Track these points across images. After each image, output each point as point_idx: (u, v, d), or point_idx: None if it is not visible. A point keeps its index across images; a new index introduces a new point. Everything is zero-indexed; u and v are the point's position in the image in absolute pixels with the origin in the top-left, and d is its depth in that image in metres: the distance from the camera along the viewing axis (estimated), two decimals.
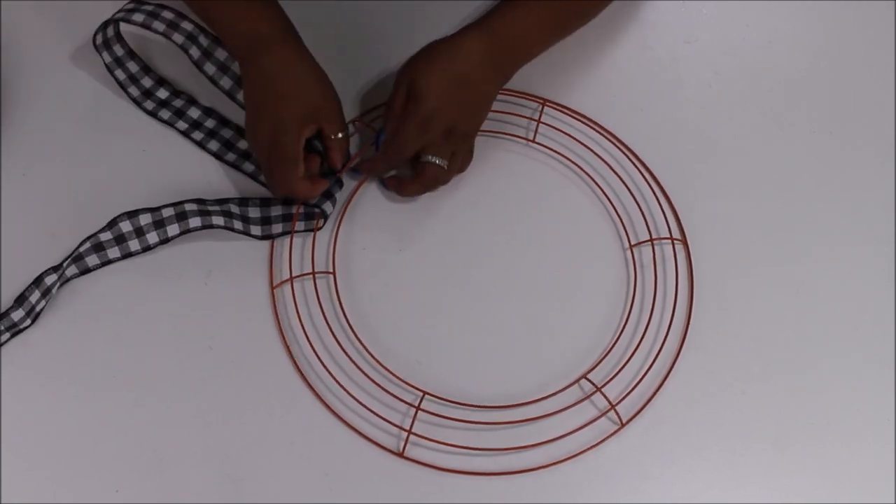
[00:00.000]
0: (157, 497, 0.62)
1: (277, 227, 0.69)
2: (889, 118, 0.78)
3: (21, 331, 0.65)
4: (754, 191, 0.74)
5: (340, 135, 0.67)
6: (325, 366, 0.66)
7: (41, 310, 0.65)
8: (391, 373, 0.66)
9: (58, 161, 0.71)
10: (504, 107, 0.75)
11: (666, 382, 0.67)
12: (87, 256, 0.67)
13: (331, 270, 0.69)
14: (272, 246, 0.69)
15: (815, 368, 0.69)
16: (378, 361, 0.67)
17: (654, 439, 0.66)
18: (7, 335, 0.65)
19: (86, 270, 0.67)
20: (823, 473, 0.66)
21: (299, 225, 0.69)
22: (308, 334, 0.67)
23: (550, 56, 0.71)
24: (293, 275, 0.68)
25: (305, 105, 0.64)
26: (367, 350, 0.67)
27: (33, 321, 0.65)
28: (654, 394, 0.67)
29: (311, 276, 0.69)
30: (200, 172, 0.72)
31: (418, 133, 0.64)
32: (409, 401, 0.66)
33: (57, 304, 0.67)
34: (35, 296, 0.65)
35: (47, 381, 0.65)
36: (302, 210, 0.69)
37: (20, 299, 0.65)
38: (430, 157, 0.66)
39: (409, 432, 0.64)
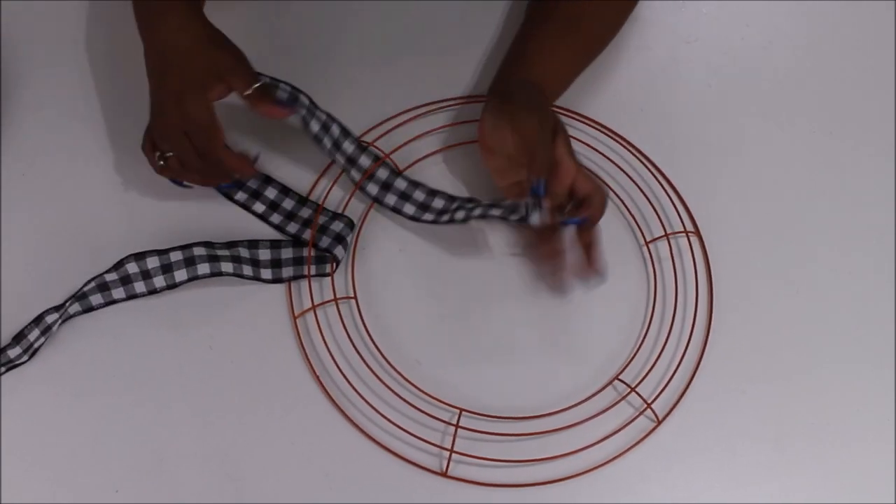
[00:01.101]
0: (157, 497, 0.62)
1: (288, 271, 0.68)
2: (889, 117, 0.79)
3: (17, 366, 0.64)
4: (756, 190, 0.75)
5: (252, 89, 0.62)
6: (358, 393, 0.65)
7: (39, 346, 0.64)
8: (425, 393, 0.66)
9: (58, 161, 0.71)
10: None
11: (697, 375, 0.68)
12: (91, 295, 0.66)
13: (352, 295, 0.68)
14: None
15: (819, 368, 0.69)
16: (411, 382, 0.66)
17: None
18: (2, 368, 0.64)
19: (89, 309, 0.66)
20: (824, 473, 0.67)
21: (312, 269, 0.68)
22: (337, 361, 0.66)
23: None
24: (315, 303, 0.68)
25: (203, 65, 0.61)
26: (398, 372, 0.66)
27: (31, 357, 0.64)
28: (687, 387, 0.68)
29: (332, 302, 0.68)
30: None
31: (549, 140, 0.64)
32: (446, 419, 0.65)
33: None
34: (34, 334, 0.64)
35: (48, 382, 0.64)
36: (314, 254, 0.68)
37: (18, 337, 0.64)
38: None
39: (452, 451, 0.64)
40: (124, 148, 0.71)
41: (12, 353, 0.64)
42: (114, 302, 0.66)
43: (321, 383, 0.66)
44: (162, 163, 0.63)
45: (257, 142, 0.71)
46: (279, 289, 0.69)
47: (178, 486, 0.63)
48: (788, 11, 0.82)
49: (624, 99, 0.77)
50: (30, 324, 0.64)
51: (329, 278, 0.68)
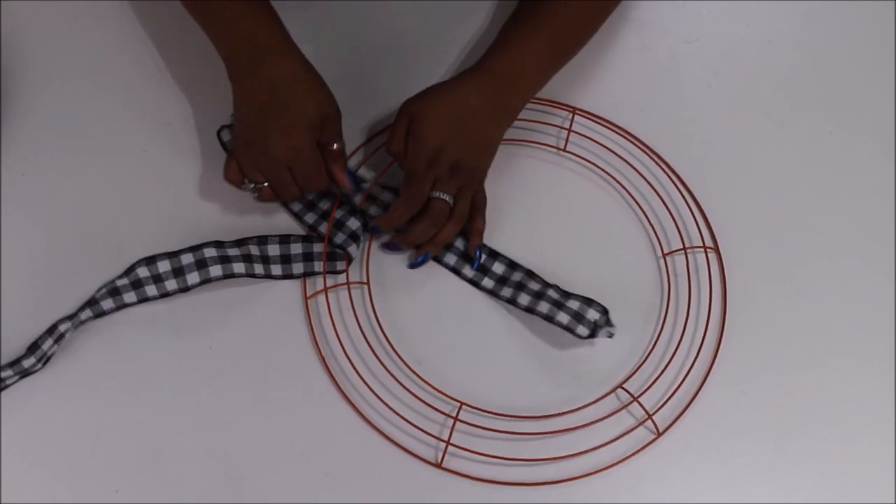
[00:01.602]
0: (157, 497, 0.62)
1: (298, 267, 0.68)
2: (889, 117, 0.78)
3: (31, 374, 0.65)
4: (756, 192, 0.75)
5: (336, 146, 0.66)
6: (361, 377, 0.66)
7: (52, 354, 0.65)
8: (428, 383, 0.66)
9: (58, 162, 0.71)
10: (534, 115, 0.75)
11: (701, 392, 0.68)
12: (103, 301, 0.66)
13: (365, 281, 0.69)
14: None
15: (823, 368, 0.69)
16: (415, 372, 0.66)
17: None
18: (16, 377, 0.64)
19: (100, 314, 0.66)
20: (823, 473, 0.66)
21: (325, 265, 0.69)
22: (343, 345, 0.67)
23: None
24: (327, 285, 0.68)
25: (315, 110, 0.63)
26: (403, 361, 0.67)
27: (44, 365, 0.65)
28: (690, 402, 0.67)
29: (345, 286, 0.69)
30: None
31: (426, 168, 0.64)
32: (445, 411, 0.66)
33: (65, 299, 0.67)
34: (48, 343, 0.64)
35: (48, 382, 0.65)
36: (328, 249, 0.69)
37: (33, 347, 0.64)
38: (435, 193, 0.65)
39: (448, 443, 0.64)
40: (125, 148, 0.72)
41: (27, 363, 0.64)
42: (125, 306, 0.67)
43: (326, 365, 0.66)
44: (255, 193, 0.66)
45: None
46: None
47: (178, 485, 0.63)
48: (788, 11, 0.82)
49: (624, 99, 0.76)
50: (43, 334, 0.64)
51: (343, 264, 0.69)
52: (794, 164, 0.76)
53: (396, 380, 0.66)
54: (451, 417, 0.65)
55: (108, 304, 0.66)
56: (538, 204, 0.73)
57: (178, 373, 0.66)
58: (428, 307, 0.69)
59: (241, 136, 0.65)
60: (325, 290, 0.68)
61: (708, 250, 0.72)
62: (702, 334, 0.69)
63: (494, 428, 0.65)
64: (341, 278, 0.69)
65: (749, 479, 0.66)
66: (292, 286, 0.69)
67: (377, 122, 0.74)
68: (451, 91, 0.65)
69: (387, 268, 0.70)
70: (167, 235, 0.68)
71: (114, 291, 0.66)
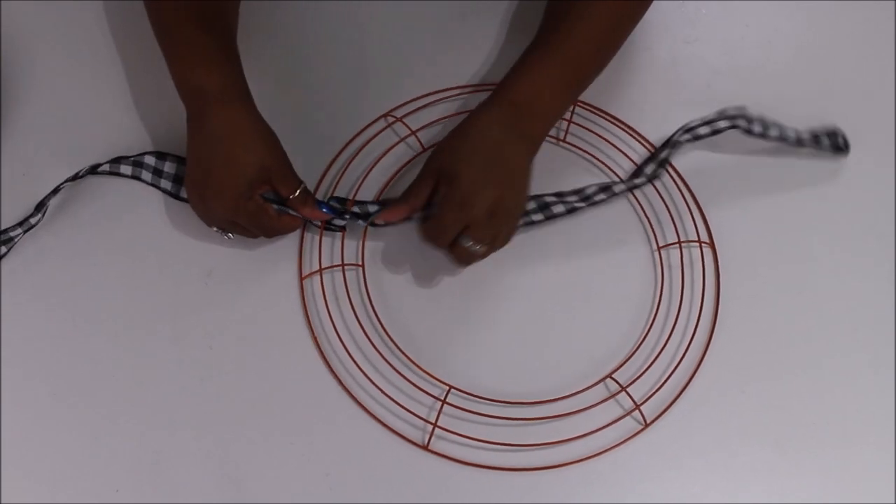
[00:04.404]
0: (156, 497, 0.63)
1: None
2: (890, 117, 0.78)
3: (32, 227, 0.67)
4: (756, 194, 0.74)
5: (297, 193, 0.65)
6: (352, 357, 0.66)
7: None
8: (418, 366, 0.67)
9: (58, 161, 0.71)
10: None
11: (690, 384, 0.68)
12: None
13: (360, 263, 0.70)
14: (302, 237, 0.70)
15: (815, 366, 0.69)
16: (405, 354, 0.67)
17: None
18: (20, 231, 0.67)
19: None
20: (824, 473, 0.66)
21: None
22: (336, 325, 0.67)
23: None
24: (322, 266, 0.69)
25: (253, 167, 0.62)
26: (394, 343, 0.67)
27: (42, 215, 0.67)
28: (679, 395, 0.67)
29: (340, 267, 0.69)
30: None
31: (460, 212, 0.61)
32: (435, 394, 0.66)
33: (65, 299, 0.67)
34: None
35: (48, 382, 0.65)
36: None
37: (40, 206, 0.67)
38: (467, 242, 0.62)
39: (435, 425, 0.65)
40: (125, 148, 0.72)
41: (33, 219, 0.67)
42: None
43: (318, 345, 0.67)
44: (228, 235, 0.68)
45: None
46: (291, 250, 0.70)
47: (179, 485, 0.63)
48: (788, 11, 0.82)
49: (623, 98, 0.77)
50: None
51: (339, 244, 0.70)
52: (792, 163, 0.76)
53: (387, 361, 0.66)
54: (440, 400, 0.66)
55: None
56: (536, 192, 0.73)
57: (177, 368, 0.66)
58: (422, 291, 0.70)
59: (189, 192, 0.65)
60: (321, 270, 0.69)
61: (703, 245, 0.72)
62: (693, 328, 0.69)
63: (482, 412, 0.66)
64: (336, 260, 0.70)
65: (735, 473, 0.66)
66: (288, 267, 0.69)
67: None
68: (472, 128, 0.63)
69: (382, 251, 0.71)
70: (169, 233, 0.70)
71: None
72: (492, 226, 0.62)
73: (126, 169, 0.70)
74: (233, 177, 0.62)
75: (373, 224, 0.69)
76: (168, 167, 0.70)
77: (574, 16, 0.64)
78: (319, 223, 0.69)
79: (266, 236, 0.67)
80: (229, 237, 0.68)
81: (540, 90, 0.64)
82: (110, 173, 0.70)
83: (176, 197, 0.70)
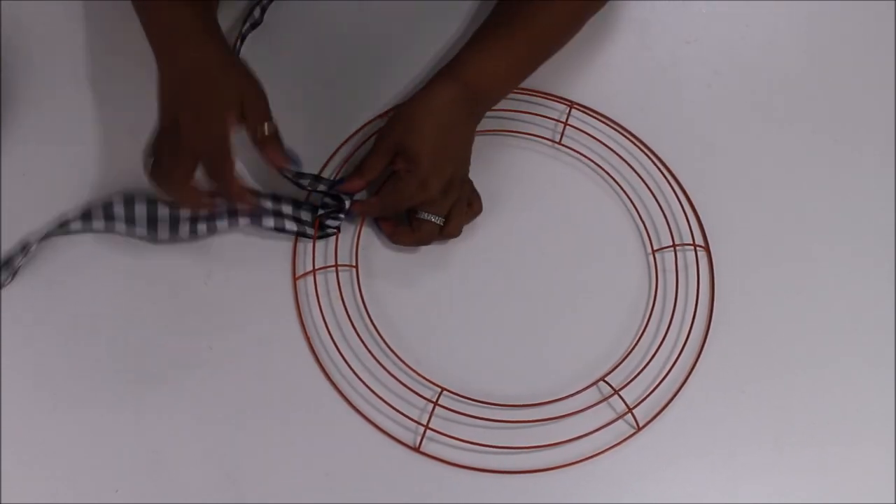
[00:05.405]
0: (156, 497, 0.63)
1: (291, 224, 0.69)
2: (890, 117, 0.77)
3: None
4: (756, 193, 0.74)
5: (266, 126, 0.62)
6: (344, 358, 0.66)
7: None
8: (410, 368, 0.67)
9: (58, 161, 0.71)
10: (531, 108, 0.75)
11: (683, 388, 0.67)
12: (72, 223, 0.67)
13: (353, 264, 0.69)
14: (296, 238, 0.70)
15: (810, 369, 0.69)
16: (397, 356, 0.67)
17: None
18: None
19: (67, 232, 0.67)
20: (823, 473, 0.66)
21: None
22: (329, 326, 0.67)
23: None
24: (316, 267, 0.69)
25: (228, 90, 0.61)
26: (386, 344, 0.67)
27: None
28: (671, 399, 0.67)
29: (333, 268, 0.69)
30: None
31: (418, 192, 0.65)
32: (427, 396, 0.66)
33: (64, 299, 0.67)
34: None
35: (48, 382, 0.65)
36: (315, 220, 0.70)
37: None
38: (426, 215, 0.67)
39: (427, 427, 0.64)
40: (125, 148, 0.71)
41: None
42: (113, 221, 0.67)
43: (311, 345, 0.67)
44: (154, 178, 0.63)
45: None
46: (284, 252, 0.70)
47: (178, 485, 0.63)
48: (788, 11, 0.81)
49: (623, 99, 0.76)
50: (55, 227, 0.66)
51: (333, 245, 0.70)
52: (791, 165, 0.75)
53: (379, 363, 0.66)
54: (432, 402, 0.65)
55: (76, 226, 0.67)
56: (531, 195, 0.73)
57: (176, 368, 0.66)
58: (415, 293, 0.70)
59: (162, 123, 0.62)
60: (314, 271, 0.69)
61: (698, 248, 0.72)
62: (687, 331, 0.69)
63: (474, 414, 0.65)
64: (330, 261, 0.70)
65: (729, 476, 0.66)
66: (282, 267, 0.69)
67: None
68: (430, 102, 0.65)
69: (376, 252, 0.70)
70: None
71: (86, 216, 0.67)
72: (447, 199, 0.67)
73: (98, 225, 0.67)
74: (208, 97, 0.60)
75: (347, 213, 0.69)
76: (139, 210, 0.67)
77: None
78: (312, 227, 0.69)
79: (207, 173, 0.61)
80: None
81: (502, 80, 0.68)
82: (83, 231, 0.68)
83: (154, 241, 0.68)
